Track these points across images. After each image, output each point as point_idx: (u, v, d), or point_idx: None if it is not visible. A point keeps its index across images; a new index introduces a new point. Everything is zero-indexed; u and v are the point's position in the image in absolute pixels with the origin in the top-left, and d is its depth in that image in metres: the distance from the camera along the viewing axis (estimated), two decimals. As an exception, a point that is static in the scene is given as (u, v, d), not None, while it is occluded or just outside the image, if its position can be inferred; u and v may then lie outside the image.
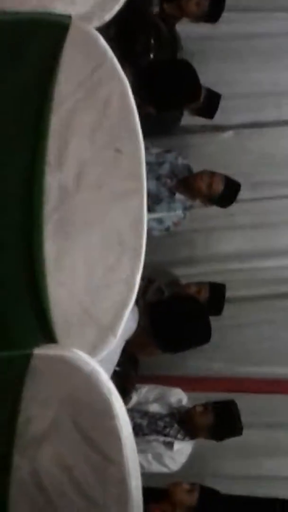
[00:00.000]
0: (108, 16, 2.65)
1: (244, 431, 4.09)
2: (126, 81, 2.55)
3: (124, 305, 2.49)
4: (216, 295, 4.31)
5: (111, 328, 2.47)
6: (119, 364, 3.17)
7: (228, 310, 4.34)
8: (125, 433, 2.32)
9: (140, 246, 2.51)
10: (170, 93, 4.00)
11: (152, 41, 4.26)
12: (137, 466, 2.39)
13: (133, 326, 3.32)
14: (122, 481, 2.32)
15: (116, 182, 2.54)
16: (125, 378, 3.72)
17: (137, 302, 3.12)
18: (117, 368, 3.20)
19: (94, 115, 2.52)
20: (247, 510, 4.50)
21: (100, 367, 2.37)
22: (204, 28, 4.57)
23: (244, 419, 4.07)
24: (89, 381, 2.33)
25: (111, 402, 2.32)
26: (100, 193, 2.53)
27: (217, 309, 4.28)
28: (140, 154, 2.57)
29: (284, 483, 4.56)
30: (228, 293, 4.36)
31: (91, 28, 2.57)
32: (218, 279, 4.43)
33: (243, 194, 4.38)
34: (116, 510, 2.34)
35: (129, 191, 2.54)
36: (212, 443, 4.13)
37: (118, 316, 2.48)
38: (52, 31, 2.53)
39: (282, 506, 4.42)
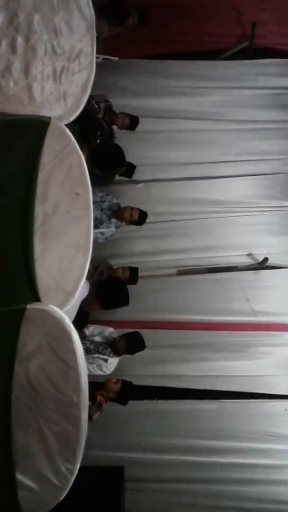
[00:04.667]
0: (72, 118, 2.61)
1: (147, 348, 4.07)
2: (82, 155, 2.52)
3: (78, 281, 2.46)
4: (133, 274, 4.29)
5: (71, 293, 2.44)
6: (78, 313, 3.06)
7: (140, 282, 4.34)
8: (79, 351, 2.30)
9: (88, 247, 2.48)
10: (108, 162, 3.97)
11: (99, 133, 4.17)
12: (85, 370, 2.36)
13: (86, 293, 3.32)
14: (77, 378, 2.30)
15: (76, 211, 2.50)
16: (82, 322, 3.73)
17: (89, 279, 3.29)
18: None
19: (63, 173, 2.48)
20: (147, 394, 4.43)
21: (65, 315, 2.33)
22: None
23: (146, 342, 4.07)
24: (58, 322, 2.29)
25: (71, 334, 2.30)
26: (66, 217, 2.49)
27: (134, 281, 4.28)
28: (89, 196, 2.53)
29: (174, 379, 4.46)
30: (140, 273, 4.34)
31: (62, 126, 2.51)
32: (133, 265, 4.41)
33: (148, 219, 4.39)
34: (73, 394, 2.31)
35: (82, 216, 2.50)
36: (129, 357, 4.11)
37: (75, 287, 2.44)
38: (39, 126, 2.48)
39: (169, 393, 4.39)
